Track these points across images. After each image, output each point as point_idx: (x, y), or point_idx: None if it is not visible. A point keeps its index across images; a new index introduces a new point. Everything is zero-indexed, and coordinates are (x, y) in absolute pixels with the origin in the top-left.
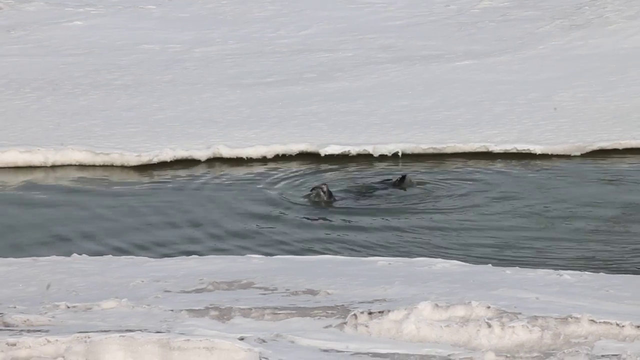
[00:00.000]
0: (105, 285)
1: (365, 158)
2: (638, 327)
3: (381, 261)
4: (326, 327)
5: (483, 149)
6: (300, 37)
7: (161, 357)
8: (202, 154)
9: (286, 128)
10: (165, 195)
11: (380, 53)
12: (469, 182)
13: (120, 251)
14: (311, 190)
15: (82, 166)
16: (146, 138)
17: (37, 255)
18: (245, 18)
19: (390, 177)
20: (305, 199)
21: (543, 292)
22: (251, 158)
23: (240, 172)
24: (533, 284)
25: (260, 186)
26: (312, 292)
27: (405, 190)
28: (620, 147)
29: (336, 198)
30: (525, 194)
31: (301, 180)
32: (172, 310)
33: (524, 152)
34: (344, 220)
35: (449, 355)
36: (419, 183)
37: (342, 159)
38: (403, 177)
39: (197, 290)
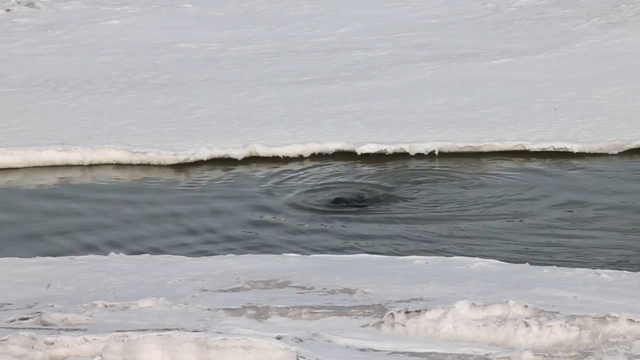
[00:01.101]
0: (143, 284)
1: (402, 156)
2: None
3: (418, 260)
4: (363, 326)
5: (520, 148)
6: (337, 35)
7: (198, 356)
8: (238, 153)
9: (322, 127)
10: (200, 194)
11: (417, 51)
12: (504, 181)
13: (157, 250)
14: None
15: (118, 165)
16: (183, 137)
17: (75, 254)
18: (281, 17)
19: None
20: (337, 203)
21: (581, 291)
22: (287, 157)
23: (276, 170)
24: (571, 283)
25: (295, 186)
26: (349, 291)
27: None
28: None
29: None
30: (562, 192)
31: (333, 179)
32: (209, 309)
33: (560, 150)
34: (377, 220)
35: (486, 354)
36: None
37: (378, 158)
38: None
39: (234, 289)
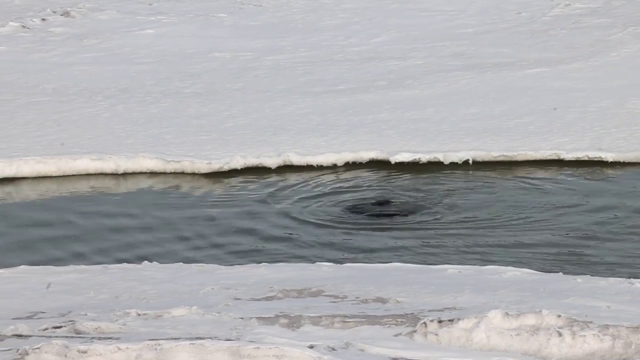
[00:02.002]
0: (176, 293)
1: (436, 165)
2: None
3: (451, 269)
4: (396, 335)
5: (554, 157)
6: (371, 44)
7: None
8: (272, 162)
9: (356, 136)
10: (234, 203)
11: (451, 61)
12: (538, 190)
13: (190, 259)
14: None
15: (153, 174)
16: (217, 146)
17: (108, 263)
18: (315, 26)
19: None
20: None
21: (614, 301)
22: (321, 165)
23: (310, 179)
24: (604, 293)
25: (328, 195)
26: (382, 300)
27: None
28: None
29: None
30: (595, 201)
31: (367, 189)
32: (242, 318)
33: (595, 159)
34: (406, 228)
35: None
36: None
37: (412, 167)
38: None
39: (267, 298)
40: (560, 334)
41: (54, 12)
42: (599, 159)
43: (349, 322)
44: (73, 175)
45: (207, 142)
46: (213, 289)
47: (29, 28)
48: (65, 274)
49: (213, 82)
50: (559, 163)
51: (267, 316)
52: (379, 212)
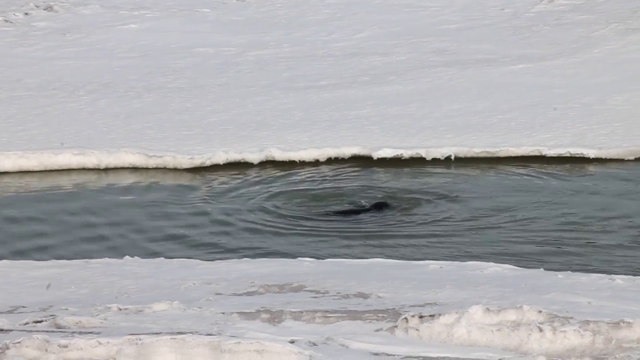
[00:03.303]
0: (157, 288)
1: (418, 161)
2: None
3: (432, 265)
4: (377, 330)
5: (536, 153)
6: (354, 40)
7: (212, 359)
8: (254, 157)
9: (339, 131)
10: (215, 198)
11: (434, 57)
12: (519, 186)
13: (172, 253)
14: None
15: (134, 169)
16: (199, 141)
17: (89, 258)
18: (299, 21)
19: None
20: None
21: (595, 297)
22: (303, 161)
23: (292, 175)
24: (585, 289)
25: (307, 190)
26: (363, 296)
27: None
28: None
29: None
30: (578, 197)
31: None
32: (223, 313)
33: (577, 156)
34: (389, 226)
35: (499, 359)
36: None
37: (394, 162)
38: (382, 204)
39: (248, 293)
40: (541, 330)
41: (37, 7)
42: (581, 156)
43: (330, 317)
44: (55, 170)
45: (189, 137)
46: (194, 284)
47: (11, 22)
48: (46, 269)
49: (196, 77)
50: (541, 159)
51: (248, 311)
52: (355, 209)
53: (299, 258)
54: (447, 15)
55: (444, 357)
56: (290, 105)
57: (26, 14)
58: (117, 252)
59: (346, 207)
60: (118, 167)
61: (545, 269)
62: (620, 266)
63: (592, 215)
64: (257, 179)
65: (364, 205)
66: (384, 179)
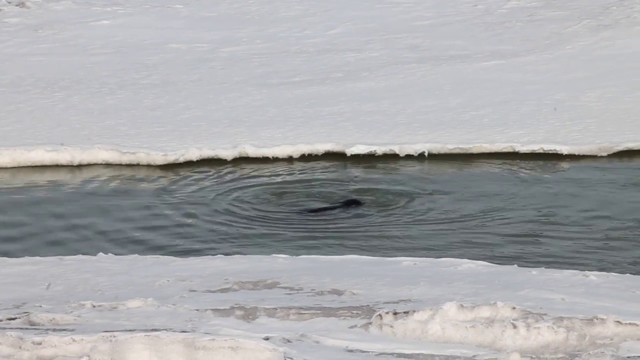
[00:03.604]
0: (131, 285)
1: (392, 158)
2: None
3: (406, 261)
4: (351, 327)
5: (509, 149)
6: (327, 36)
7: (186, 356)
8: (228, 154)
9: (312, 128)
10: (190, 195)
11: (407, 53)
12: (493, 182)
13: (146, 250)
14: (344, 203)
15: (108, 165)
16: (172, 137)
17: (63, 254)
18: (272, 17)
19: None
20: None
21: (569, 293)
22: (277, 157)
23: (265, 171)
24: (559, 285)
25: (281, 186)
26: (338, 292)
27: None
28: None
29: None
30: (549, 194)
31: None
32: (197, 310)
33: (550, 152)
34: (362, 223)
35: (473, 356)
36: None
37: (368, 159)
38: (354, 201)
39: (223, 290)
40: (514, 326)
41: (9, 2)
42: (554, 152)
43: (305, 314)
44: (28, 167)
45: (162, 134)
46: (168, 280)
47: None
48: (20, 266)
49: (169, 74)
50: (514, 156)
51: (222, 308)
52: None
53: (273, 255)
54: (420, 11)
55: (418, 354)
56: (264, 101)
57: None
58: (88, 247)
59: (319, 204)
60: (91, 163)
61: (519, 266)
62: (594, 262)
63: (566, 212)
64: (230, 175)
65: (337, 202)
66: (358, 176)
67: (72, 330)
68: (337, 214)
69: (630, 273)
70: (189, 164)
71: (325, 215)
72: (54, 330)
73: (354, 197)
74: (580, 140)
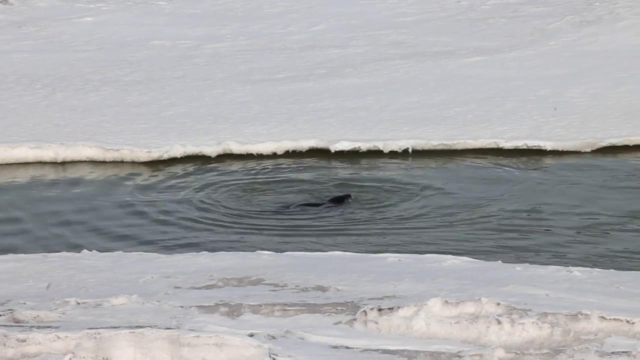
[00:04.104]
0: (115, 282)
1: (376, 154)
2: None
3: (391, 257)
4: (336, 323)
5: (493, 145)
6: (311, 33)
7: (171, 353)
8: (212, 150)
9: (296, 124)
10: (174, 192)
11: (391, 49)
12: (477, 178)
13: (130, 247)
14: (334, 199)
15: (92, 162)
16: (156, 134)
17: (48, 252)
18: (255, 14)
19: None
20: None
21: (553, 289)
22: (261, 154)
23: (249, 168)
24: (543, 281)
25: (264, 183)
26: (322, 289)
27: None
28: (630, 143)
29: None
30: (534, 190)
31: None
32: (182, 307)
33: (534, 148)
34: (347, 219)
35: (458, 351)
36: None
37: (352, 155)
38: (347, 196)
39: (207, 287)
40: (499, 322)
41: None
42: (538, 148)
43: (289, 310)
44: (12, 164)
45: (146, 131)
46: (153, 277)
47: None
48: (4, 263)
49: (152, 71)
50: (498, 152)
51: (207, 305)
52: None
53: (258, 251)
54: (403, 8)
55: (402, 350)
56: (248, 98)
57: None
58: (72, 244)
59: (305, 200)
60: (75, 160)
61: (503, 262)
62: (578, 257)
63: (550, 208)
64: (214, 172)
65: (322, 200)
66: (342, 172)
67: (57, 327)
68: (321, 210)
69: (614, 268)
70: (173, 160)
71: (310, 211)
72: (39, 327)
73: (341, 194)
74: (564, 136)
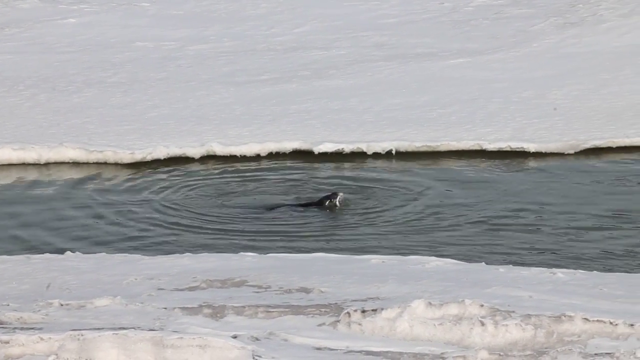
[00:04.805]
0: (99, 283)
1: (359, 156)
2: (631, 325)
3: (375, 259)
4: (319, 325)
5: (477, 147)
6: (294, 34)
7: (154, 354)
8: (195, 152)
9: (280, 126)
10: (157, 193)
11: (374, 51)
12: (461, 180)
13: (114, 249)
14: (325, 198)
15: (75, 164)
16: (140, 136)
17: (31, 253)
18: (239, 16)
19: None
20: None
21: (536, 290)
22: (245, 156)
23: (232, 169)
24: (526, 282)
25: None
26: (306, 290)
27: (331, 209)
28: (613, 145)
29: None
30: (517, 191)
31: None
32: (165, 308)
33: (517, 150)
34: (331, 221)
35: (441, 353)
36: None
37: (335, 157)
38: (334, 194)
39: (191, 288)
40: (482, 324)
41: None
42: (521, 150)
43: (273, 312)
44: None
45: (130, 132)
46: (136, 279)
47: None
48: None
49: (136, 72)
50: (482, 153)
51: (190, 306)
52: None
53: (241, 253)
54: (386, 9)
55: (386, 352)
56: (231, 99)
57: None
58: (55, 245)
59: (289, 201)
60: (58, 162)
61: (487, 263)
62: (561, 258)
63: (533, 209)
64: (197, 174)
65: (307, 201)
66: (325, 174)
67: (40, 329)
68: (305, 211)
69: (597, 270)
70: (156, 162)
71: (295, 212)
72: (22, 329)
73: (329, 193)
74: (547, 138)
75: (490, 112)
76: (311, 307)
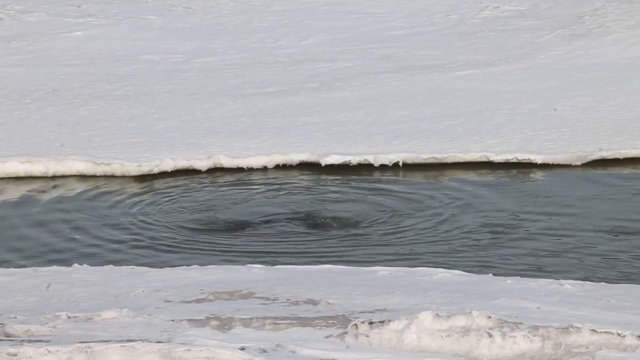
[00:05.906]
0: (106, 295)
1: (366, 168)
2: (639, 337)
3: (382, 271)
4: (327, 337)
5: (484, 159)
6: (301, 47)
7: None
8: (202, 164)
9: (287, 138)
10: (165, 206)
11: (381, 63)
12: (468, 192)
13: (120, 261)
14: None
15: (82, 176)
16: (147, 148)
17: (38, 266)
18: (245, 28)
19: None
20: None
21: (544, 302)
22: (252, 168)
23: (240, 181)
24: (534, 294)
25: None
26: (313, 302)
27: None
28: (620, 156)
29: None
30: (525, 203)
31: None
32: (172, 320)
33: (524, 161)
34: (339, 232)
35: None
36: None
37: (342, 169)
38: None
39: (198, 300)
40: (490, 335)
41: None
42: (528, 161)
43: (280, 323)
44: (1, 178)
45: (136, 145)
46: (144, 291)
47: None
48: None
49: (142, 85)
50: (489, 165)
51: (197, 318)
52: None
53: (248, 265)
54: (393, 21)
55: None
56: (238, 112)
57: None
58: (62, 258)
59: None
60: (66, 175)
61: (494, 275)
62: (568, 270)
63: (540, 221)
64: (205, 186)
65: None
66: (333, 186)
67: (48, 341)
68: (311, 225)
69: (605, 281)
70: (163, 174)
71: (301, 225)
72: (29, 341)
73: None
74: (554, 150)
75: (497, 124)
76: (319, 319)
